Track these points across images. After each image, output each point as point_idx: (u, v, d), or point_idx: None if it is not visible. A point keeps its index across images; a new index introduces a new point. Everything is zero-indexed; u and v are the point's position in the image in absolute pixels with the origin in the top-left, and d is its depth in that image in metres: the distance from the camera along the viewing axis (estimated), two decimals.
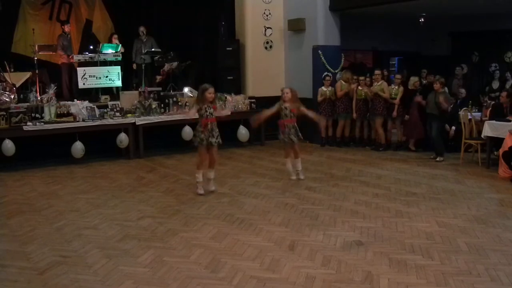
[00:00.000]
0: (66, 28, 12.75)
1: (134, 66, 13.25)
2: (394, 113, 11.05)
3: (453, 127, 10.27)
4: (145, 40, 13.19)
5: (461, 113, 9.98)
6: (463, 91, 11.97)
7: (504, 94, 9.63)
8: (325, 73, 12.02)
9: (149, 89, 12.05)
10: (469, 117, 10.10)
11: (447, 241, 5.59)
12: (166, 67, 13.00)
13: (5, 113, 9.65)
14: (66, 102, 10.83)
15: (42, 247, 5.56)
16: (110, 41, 13.18)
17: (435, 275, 4.67)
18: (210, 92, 7.59)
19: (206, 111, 7.56)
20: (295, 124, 8.45)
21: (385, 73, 11.67)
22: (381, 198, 7.40)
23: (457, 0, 11.94)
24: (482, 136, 9.34)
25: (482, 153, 9.54)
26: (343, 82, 11.78)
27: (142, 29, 13.20)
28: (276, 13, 13.29)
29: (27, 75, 11.83)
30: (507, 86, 12.28)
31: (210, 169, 7.84)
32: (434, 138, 10.19)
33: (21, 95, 11.08)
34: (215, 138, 7.60)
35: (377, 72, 11.38)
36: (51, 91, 10.56)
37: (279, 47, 13.46)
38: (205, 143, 7.56)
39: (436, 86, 10.06)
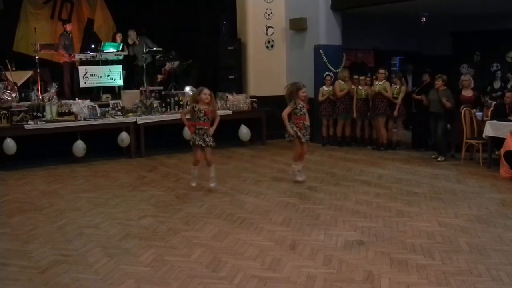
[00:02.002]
0: (68, 27, 12.78)
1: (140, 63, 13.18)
2: (395, 113, 11.05)
3: None
4: (137, 43, 13.21)
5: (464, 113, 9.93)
6: None
7: (509, 94, 9.57)
8: (326, 73, 12.01)
9: (151, 88, 12.08)
10: None
11: (448, 240, 5.58)
12: (168, 66, 13.02)
13: (6, 112, 9.66)
14: (68, 101, 10.84)
15: (43, 246, 5.56)
16: (114, 40, 13.19)
17: (436, 275, 4.66)
18: (303, 91, 8.13)
19: (301, 110, 8.12)
20: (209, 128, 7.75)
21: (386, 73, 11.65)
22: (382, 198, 7.40)
23: (459, 0, 11.94)
24: (484, 136, 9.32)
25: (484, 153, 9.53)
26: (341, 82, 11.79)
27: (131, 32, 13.21)
28: (278, 13, 13.28)
29: (28, 74, 11.84)
30: (509, 85, 12.24)
31: (300, 161, 8.42)
32: (438, 138, 10.17)
33: (23, 94, 11.11)
34: (307, 135, 8.28)
35: (381, 71, 11.34)
36: (53, 90, 10.57)
37: (281, 46, 13.45)
38: (299, 138, 8.16)
39: (438, 83, 10.04)
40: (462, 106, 9.92)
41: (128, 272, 4.83)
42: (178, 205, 7.14)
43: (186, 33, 13.95)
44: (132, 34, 13.26)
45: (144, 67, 12.89)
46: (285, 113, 8.19)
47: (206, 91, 7.70)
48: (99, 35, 14.00)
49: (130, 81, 13.22)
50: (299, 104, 8.11)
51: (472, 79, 10.36)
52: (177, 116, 11.07)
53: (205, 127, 7.69)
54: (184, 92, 12.06)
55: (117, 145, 10.59)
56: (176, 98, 11.51)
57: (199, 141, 7.68)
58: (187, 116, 7.88)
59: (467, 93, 10.14)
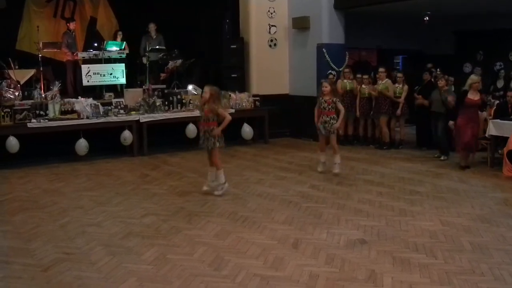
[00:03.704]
0: (71, 25, 12.75)
1: (144, 60, 13.05)
2: (398, 112, 11.05)
3: None
4: (154, 37, 13.16)
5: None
6: None
7: (510, 93, 9.56)
8: (329, 71, 11.99)
9: (153, 86, 12.05)
10: None
11: (451, 240, 5.58)
12: (170, 64, 13.00)
13: (9, 110, 9.65)
14: (70, 99, 10.84)
15: (46, 244, 5.57)
16: (114, 38, 13.18)
17: (439, 274, 4.66)
18: (325, 86, 8.69)
19: (321, 105, 8.72)
20: (214, 128, 7.32)
21: (395, 73, 11.64)
22: (385, 197, 7.39)
23: None
24: (486, 135, 9.30)
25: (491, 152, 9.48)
26: (344, 80, 11.79)
27: (151, 26, 13.14)
28: (281, 11, 13.28)
29: (31, 72, 11.83)
30: None
31: (335, 154, 8.82)
32: (440, 137, 10.15)
33: (26, 92, 11.10)
34: (330, 129, 8.69)
35: (381, 70, 11.34)
36: (55, 88, 10.58)
37: (284, 45, 13.44)
38: (322, 131, 8.76)
39: (441, 83, 10.02)
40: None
41: (130, 270, 4.83)
42: (181, 204, 7.14)
43: (189, 31, 13.94)
44: (152, 28, 13.18)
45: (147, 65, 12.87)
46: (315, 108, 8.88)
47: (206, 88, 7.37)
48: (102, 34, 14.00)
49: (133, 78, 13.21)
50: (322, 98, 8.72)
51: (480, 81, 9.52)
52: (180, 114, 11.13)
53: (210, 128, 7.32)
54: (187, 91, 12.06)
55: (119, 143, 10.60)
56: (178, 96, 11.51)
57: (203, 144, 7.44)
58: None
59: (474, 96, 9.07)
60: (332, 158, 8.84)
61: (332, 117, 8.68)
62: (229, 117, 7.37)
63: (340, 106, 8.76)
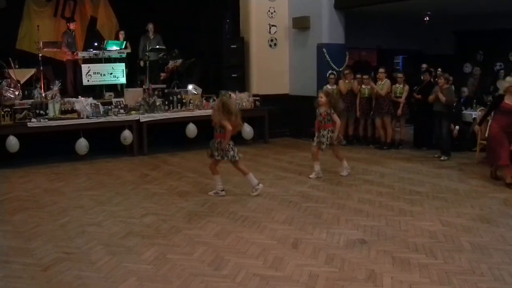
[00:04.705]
0: (72, 25, 12.77)
1: (142, 63, 13.10)
2: (399, 112, 11.05)
3: (457, 127, 10.22)
4: (152, 37, 13.17)
5: (478, 113, 9.81)
6: (465, 89, 11.94)
7: None
8: (330, 71, 12.00)
9: (153, 86, 12.06)
10: (474, 116, 10.06)
11: (451, 240, 5.58)
12: (171, 64, 13.01)
13: (9, 110, 9.66)
14: (71, 99, 10.86)
15: (46, 243, 5.57)
16: (116, 38, 13.19)
17: (438, 274, 4.66)
18: (320, 97, 8.52)
19: (318, 117, 8.52)
20: (220, 140, 7.30)
21: (395, 74, 11.64)
22: (384, 197, 7.39)
23: None
24: (486, 135, 9.29)
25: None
26: (345, 81, 11.79)
27: (150, 26, 13.17)
28: (281, 11, 13.28)
29: (31, 71, 11.85)
30: None
31: (341, 161, 8.83)
32: (443, 137, 10.13)
33: (26, 92, 11.12)
34: (325, 141, 8.42)
35: (381, 70, 11.35)
36: (56, 87, 10.59)
37: (284, 45, 13.44)
38: (322, 147, 8.50)
39: (441, 81, 10.03)
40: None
41: (130, 270, 4.83)
42: (181, 203, 7.14)
43: (189, 31, 13.95)
44: (150, 28, 13.20)
45: (147, 65, 12.87)
46: (316, 120, 8.71)
47: (216, 100, 7.38)
48: (102, 33, 14.01)
49: (133, 77, 13.21)
50: (318, 110, 8.54)
51: None
52: (180, 114, 11.14)
53: (218, 140, 7.33)
54: (187, 90, 12.06)
55: (119, 143, 10.60)
56: (178, 96, 11.51)
57: (218, 155, 7.38)
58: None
59: (511, 100, 7.99)
60: (340, 164, 8.86)
61: (329, 130, 8.44)
62: (229, 127, 7.23)
63: (336, 118, 8.45)
